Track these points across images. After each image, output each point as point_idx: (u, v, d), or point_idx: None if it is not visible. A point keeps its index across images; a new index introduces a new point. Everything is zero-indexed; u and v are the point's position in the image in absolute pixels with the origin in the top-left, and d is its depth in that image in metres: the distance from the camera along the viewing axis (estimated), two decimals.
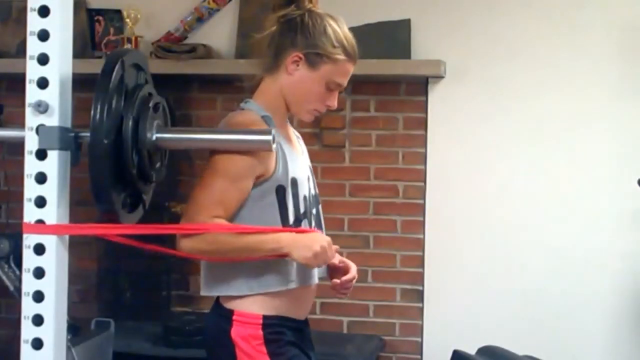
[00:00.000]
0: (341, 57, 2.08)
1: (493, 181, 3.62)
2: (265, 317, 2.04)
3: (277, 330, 2.06)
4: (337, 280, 2.19)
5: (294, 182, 2.08)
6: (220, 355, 2.08)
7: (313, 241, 1.98)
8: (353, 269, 2.22)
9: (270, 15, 2.12)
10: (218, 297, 2.11)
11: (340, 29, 2.10)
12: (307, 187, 2.15)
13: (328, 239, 2.02)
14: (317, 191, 2.22)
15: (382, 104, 3.69)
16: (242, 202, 2.01)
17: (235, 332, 2.04)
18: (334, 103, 2.14)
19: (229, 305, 2.07)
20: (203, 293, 2.11)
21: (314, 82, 2.09)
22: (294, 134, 2.25)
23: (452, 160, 3.64)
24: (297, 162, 2.13)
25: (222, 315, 2.07)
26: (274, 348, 2.04)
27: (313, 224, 2.15)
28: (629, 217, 3.50)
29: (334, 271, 2.25)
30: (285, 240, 1.98)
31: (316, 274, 2.13)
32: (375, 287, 3.68)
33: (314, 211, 2.17)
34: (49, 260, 1.54)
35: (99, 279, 3.94)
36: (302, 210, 2.10)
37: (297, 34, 2.08)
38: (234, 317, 2.05)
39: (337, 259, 2.22)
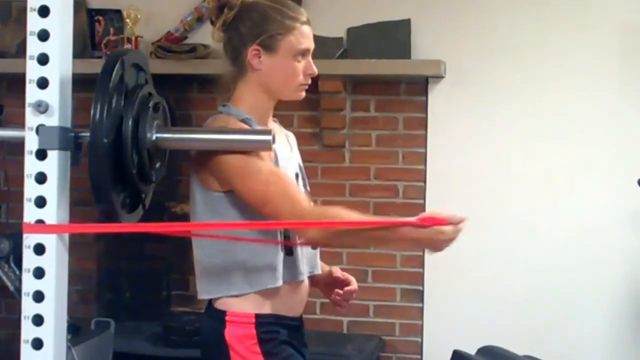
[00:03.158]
0: (291, 24, 2.05)
1: (493, 181, 3.61)
2: (258, 316, 2.03)
3: (271, 329, 2.04)
4: (339, 291, 2.25)
5: None
6: (215, 358, 2.06)
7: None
8: (354, 282, 2.27)
9: (213, 31, 2.11)
10: (211, 299, 2.09)
11: (276, 3, 2.07)
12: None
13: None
14: (308, 189, 2.20)
15: (382, 104, 3.69)
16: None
17: (229, 332, 2.02)
18: (313, 69, 2.10)
19: (221, 306, 2.05)
20: (201, 297, 2.09)
21: (282, 62, 2.06)
22: (282, 131, 2.23)
23: (452, 160, 3.64)
24: (287, 160, 2.12)
25: (215, 316, 2.05)
26: (269, 347, 2.03)
27: None
28: (629, 217, 3.50)
29: (334, 283, 2.27)
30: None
31: (305, 270, 2.13)
32: (375, 287, 3.68)
33: None
34: (49, 260, 1.53)
35: (99, 279, 3.94)
36: None
37: (242, 30, 2.06)
38: (227, 318, 2.03)
39: (338, 272, 2.28)
